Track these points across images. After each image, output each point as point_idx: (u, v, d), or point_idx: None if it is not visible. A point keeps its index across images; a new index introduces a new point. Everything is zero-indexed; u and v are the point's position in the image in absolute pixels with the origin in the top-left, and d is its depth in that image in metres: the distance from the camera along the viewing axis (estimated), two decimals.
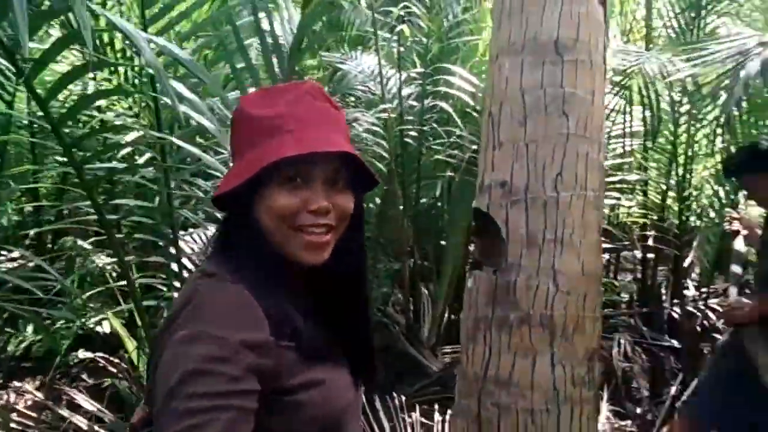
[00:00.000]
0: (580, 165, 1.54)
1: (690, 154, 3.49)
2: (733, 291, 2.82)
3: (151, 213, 2.28)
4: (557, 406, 1.50)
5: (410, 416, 2.90)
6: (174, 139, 1.71)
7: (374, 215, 4.26)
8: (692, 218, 4.07)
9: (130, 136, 2.78)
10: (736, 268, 2.77)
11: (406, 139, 3.84)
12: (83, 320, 3.57)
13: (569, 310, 1.53)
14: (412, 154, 3.93)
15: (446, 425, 2.77)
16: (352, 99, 4.11)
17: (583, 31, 1.52)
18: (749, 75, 2.40)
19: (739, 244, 2.67)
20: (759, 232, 2.38)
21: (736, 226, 2.56)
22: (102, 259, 3.40)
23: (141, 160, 2.61)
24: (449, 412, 2.59)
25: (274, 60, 2.27)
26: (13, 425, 2.74)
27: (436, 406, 3.02)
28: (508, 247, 1.57)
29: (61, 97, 3.04)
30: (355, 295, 0.92)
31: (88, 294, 3.41)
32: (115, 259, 1.88)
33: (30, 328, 3.81)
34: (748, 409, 2.08)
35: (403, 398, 2.96)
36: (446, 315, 4.07)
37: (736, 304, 2.23)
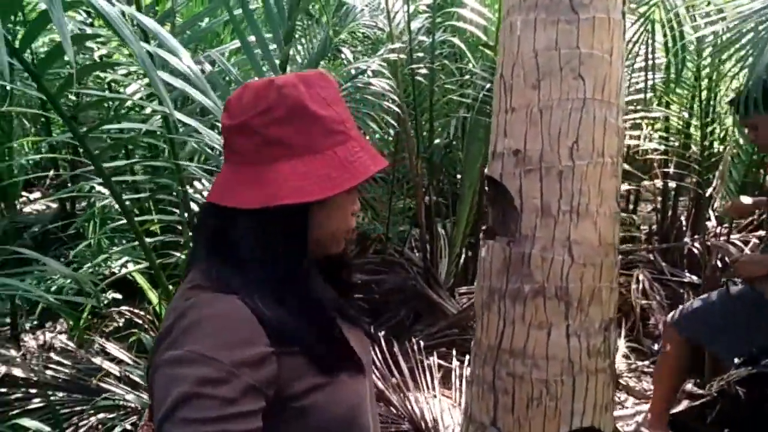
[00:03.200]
0: (597, 131, 1.45)
1: (714, 77, 3.30)
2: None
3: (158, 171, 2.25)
4: (572, 377, 1.50)
5: (428, 359, 2.97)
6: (178, 115, 1.64)
7: (388, 155, 4.19)
8: (716, 144, 3.92)
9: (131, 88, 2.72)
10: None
11: (417, 77, 3.69)
12: (107, 263, 3.67)
13: (585, 282, 1.49)
14: (424, 92, 3.79)
15: (464, 369, 2.83)
16: (361, 35, 3.93)
17: None
18: None
19: None
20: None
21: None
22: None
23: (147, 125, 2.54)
24: (467, 356, 2.63)
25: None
26: (51, 365, 2.89)
27: (454, 351, 3.08)
28: (522, 217, 1.52)
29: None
30: (340, 267, 0.95)
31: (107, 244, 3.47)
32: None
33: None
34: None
35: (421, 342, 3.01)
36: (463, 255, 4.07)
37: (749, 258, 2.21)
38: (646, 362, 3.08)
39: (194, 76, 1.36)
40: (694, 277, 3.49)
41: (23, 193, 5.48)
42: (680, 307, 2.41)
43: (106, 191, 3.34)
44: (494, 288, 1.57)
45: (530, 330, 1.51)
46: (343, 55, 3.44)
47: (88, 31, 2.43)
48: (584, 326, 1.50)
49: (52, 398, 2.71)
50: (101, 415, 2.65)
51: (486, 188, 1.69)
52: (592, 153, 1.45)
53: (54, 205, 5.32)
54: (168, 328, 0.75)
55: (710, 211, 3.77)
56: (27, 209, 5.55)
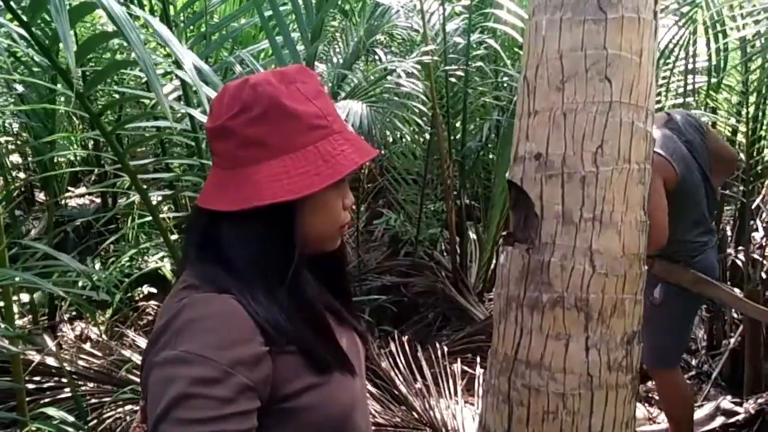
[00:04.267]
0: (624, 136, 1.39)
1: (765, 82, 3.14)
2: None
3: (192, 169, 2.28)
4: (590, 391, 1.44)
5: (453, 365, 2.92)
6: (192, 111, 1.66)
7: (421, 157, 4.16)
8: (765, 152, 3.74)
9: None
10: None
11: (451, 79, 3.64)
12: (143, 257, 3.76)
13: (607, 293, 1.43)
14: (458, 94, 3.74)
15: None
16: (398, 37, 3.90)
17: None
18: None
19: None
20: None
21: None
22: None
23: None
24: None
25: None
26: (83, 355, 2.97)
27: (479, 358, 3.03)
28: (542, 224, 1.47)
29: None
30: (337, 267, 0.94)
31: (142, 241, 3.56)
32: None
33: (97, 265, 4.07)
34: None
35: (445, 348, 2.97)
36: (493, 260, 4.00)
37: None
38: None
39: (207, 78, 1.36)
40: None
41: (69, 188, 5.70)
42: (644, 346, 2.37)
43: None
44: (512, 296, 1.52)
45: (548, 341, 1.46)
46: (377, 56, 3.43)
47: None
48: (605, 339, 1.43)
49: (82, 388, 2.79)
50: (127, 407, 2.71)
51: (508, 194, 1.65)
52: (618, 159, 1.39)
53: (97, 200, 5.50)
54: (161, 329, 0.75)
55: (757, 222, 3.59)
56: (72, 203, 5.76)
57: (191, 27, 2.34)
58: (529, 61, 1.47)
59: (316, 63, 3.93)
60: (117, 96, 2.82)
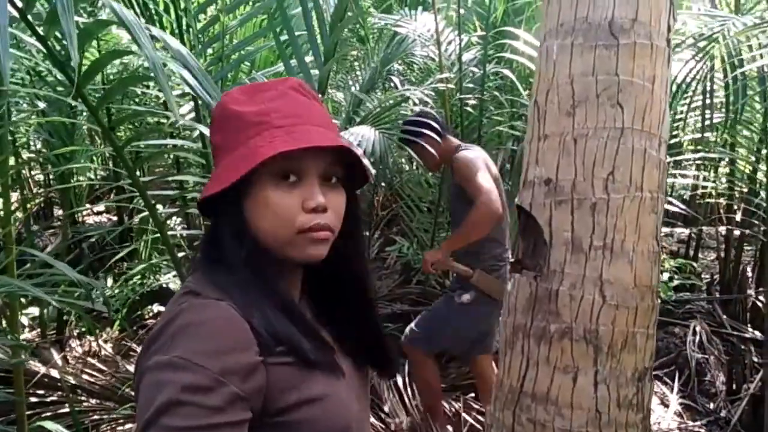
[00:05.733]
0: (636, 163, 1.35)
1: None
2: None
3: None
4: (599, 429, 1.37)
5: (458, 401, 2.84)
6: (203, 129, 1.66)
7: (435, 185, 4.14)
8: None
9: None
10: None
11: (467, 108, 3.64)
12: (155, 275, 3.76)
13: (617, 325, 1.38)
14: (473, 123, 3.74)
15: None
16: (416, 66, 3.93)
17: (643, 10, 1.31)
18: None
19: None
20: None
21: None
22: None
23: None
24: None
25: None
26: (93, 372, 2.95)
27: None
28: (550, 251, 1.43)
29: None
30: (359, 296, 0.89)
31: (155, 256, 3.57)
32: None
33: (110, 281, 4.09)
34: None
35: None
36: None
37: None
38: (700, 422, 2.83)
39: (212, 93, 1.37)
40: (757, 333, 3.21)
41: (87, 205, 5.78)
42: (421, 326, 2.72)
43: (157, 207, 3.48)
44: (518, 325, 1.48)
45: (555, 374, 1.40)
46: (392, 84, 3.45)
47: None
48: (615, 374, 1.37)
49: (84, 404, 2.76)
50: (128, 426, 2.67)
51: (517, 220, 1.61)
52: (630, 186, 1.35)
53: (114, 218, 5.57)
54: (156, 333, 0.73)
55: None
56: (90, 220, 5.84)
57: (210, 49, 2.36)
58: (540, 85, 1.45)
59: (333, 91, 3.99)
60: (137, 114, 2.87)
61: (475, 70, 3.55)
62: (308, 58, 2.26)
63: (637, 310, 1.38)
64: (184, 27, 2.24)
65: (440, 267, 2.68)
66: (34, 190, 5.37)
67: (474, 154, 2.54)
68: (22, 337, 2.83)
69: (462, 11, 3.45)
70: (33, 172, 5.16)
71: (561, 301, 1.40)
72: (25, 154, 4.63)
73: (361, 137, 2.45)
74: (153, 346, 0.72)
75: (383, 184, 3.87)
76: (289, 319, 0.77)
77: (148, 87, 3.01)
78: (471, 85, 3.56)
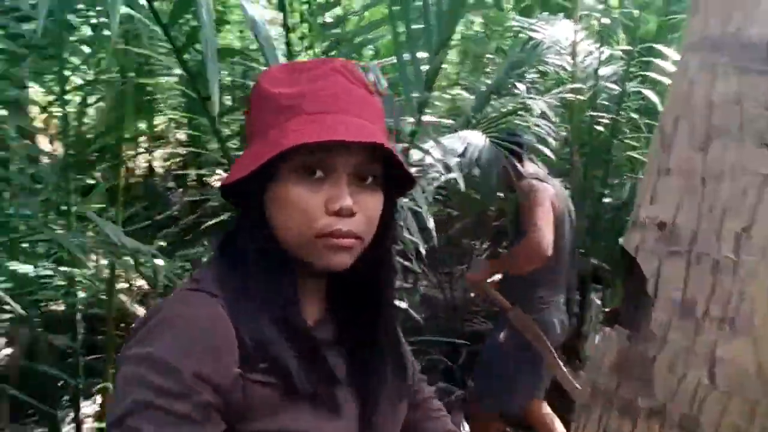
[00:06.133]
0: None
1: None
2: None
3: None
4: None
5: None
6: None
7: None
8: None
9: None
10: None
11: (598, 127, 3.33)
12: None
13: (726, 418, 1.10)
14: (603, 144, 3.41)
15: None
16: (549, 76, 3.68)
17: None
18: None
19: None
20: None
21: None
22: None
23: None
24: None
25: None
26: None
27: None
28: (654, 310, 1.18)
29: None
30: (374, 315, 0.78)
31: None
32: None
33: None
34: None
35: None
36: None
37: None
38: None
39: None
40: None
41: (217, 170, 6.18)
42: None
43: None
44: (600, 389, 1.24)
45: None
46: (517, 90, 3.24)
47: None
48: None
49: None
50: None
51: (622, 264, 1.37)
52: (767, 248, 1.07)
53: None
54: (141, 322, 0.70)
55: None
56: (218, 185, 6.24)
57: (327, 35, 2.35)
58: (670, 108, 1.20)
59: (461, 91, 3.84)
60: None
61: (613, 87, 3.23)
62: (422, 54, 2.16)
63: (757, 404, 1.09)
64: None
65: (476, 290, 2.51)
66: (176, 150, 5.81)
67: (544, 186, 2.43)
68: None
69: (607, 20, 3.14)
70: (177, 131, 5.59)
71: (657, 373, 1.15)
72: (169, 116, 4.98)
73: (468, 142, 2.30)
74: (137, 333, 0.69)
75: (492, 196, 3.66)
76: (285, 332, 0.69)
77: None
78: (606, 103, 3.25)
